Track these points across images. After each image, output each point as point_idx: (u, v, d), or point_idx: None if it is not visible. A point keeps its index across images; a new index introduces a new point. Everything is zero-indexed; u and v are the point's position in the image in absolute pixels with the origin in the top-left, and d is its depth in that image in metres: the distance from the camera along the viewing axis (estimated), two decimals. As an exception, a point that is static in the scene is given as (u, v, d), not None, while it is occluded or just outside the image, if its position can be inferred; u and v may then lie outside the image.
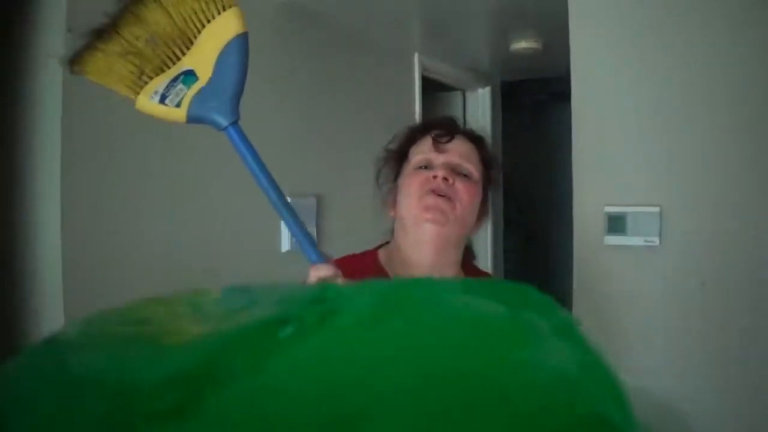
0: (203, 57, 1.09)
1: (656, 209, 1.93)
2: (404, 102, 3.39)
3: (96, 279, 1.93)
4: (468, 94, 4.26)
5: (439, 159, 1.32)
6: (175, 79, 1.08)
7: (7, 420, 0.33)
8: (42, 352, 0.37)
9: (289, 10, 2.57)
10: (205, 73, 1.09)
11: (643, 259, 1.96)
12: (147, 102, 1.09)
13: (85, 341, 0.35)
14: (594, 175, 2.03)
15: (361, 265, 1.35)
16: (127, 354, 0.35)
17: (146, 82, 1.09)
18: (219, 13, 1.10)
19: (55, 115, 1.86)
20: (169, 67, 1.10)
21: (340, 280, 1.03)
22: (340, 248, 1.46)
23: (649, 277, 1.96)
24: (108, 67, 1.09)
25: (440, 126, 1.38)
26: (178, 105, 1.08)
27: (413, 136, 1.40)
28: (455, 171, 1.31)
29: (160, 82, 1.08)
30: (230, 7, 1.11)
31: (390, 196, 1.40)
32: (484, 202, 1.38)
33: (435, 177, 1.29)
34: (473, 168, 1.33)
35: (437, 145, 1.32)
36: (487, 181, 1.38)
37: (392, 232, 1.41)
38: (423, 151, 1.34)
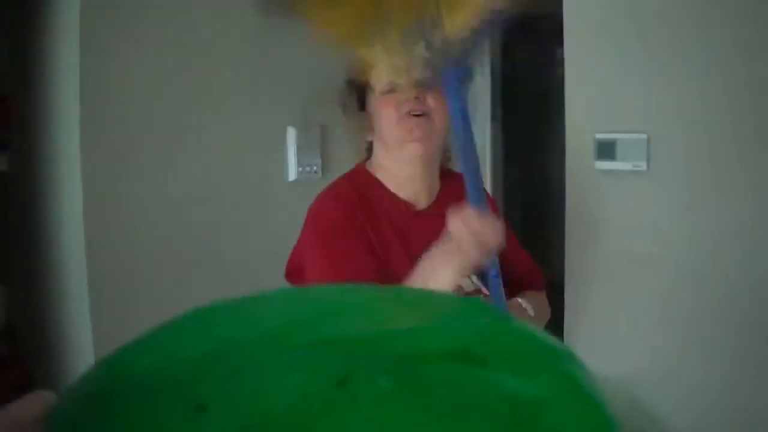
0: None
1: (644, 136, 2.03)
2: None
3: (117, 222, 2.06)
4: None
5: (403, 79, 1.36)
6: None
7: None
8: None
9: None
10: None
11: (631, 183, 2.08)
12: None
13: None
14: (585, 103, 2.13)
15: (359, 181, 1.46)
16: None
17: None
18: None
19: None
20: None
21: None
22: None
23: (637, 200, 2.08)
24: None
25: None
26: None
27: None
28: (423, 85, 1.37)
29: None
30: None
31: (365, 122, 1.47)
32: None
33: (407, 99, 1.36)
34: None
35: None
36: None
37: (369, 150, 1.50)
38: (383, 79, 1.40)
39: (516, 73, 4.66)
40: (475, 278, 1.44)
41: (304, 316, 0.38)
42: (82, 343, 2.07)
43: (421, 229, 1.39)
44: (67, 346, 2.21)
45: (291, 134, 2.62)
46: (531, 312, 1.45)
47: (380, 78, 1.41)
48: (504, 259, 1.29)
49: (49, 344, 2.28)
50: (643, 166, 2.04)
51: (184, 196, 2.27)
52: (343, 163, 2.84)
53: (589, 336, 2.17)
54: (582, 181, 2.14)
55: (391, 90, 1.40)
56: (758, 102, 1.89)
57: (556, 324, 2.01)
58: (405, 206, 1.46)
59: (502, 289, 1.22)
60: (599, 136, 2.08)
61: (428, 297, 0.46)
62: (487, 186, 4.30)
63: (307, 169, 2.64)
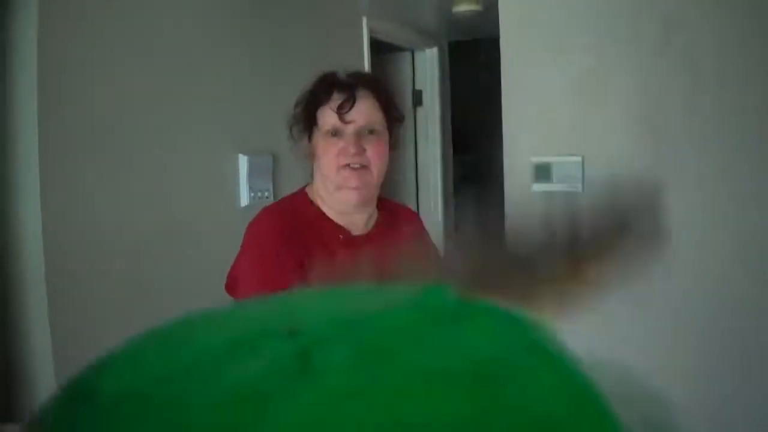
0: None
1: (578, 159, 2.15)
2: (355, 63, 3.54)
3: (72, 232, 2.09)
4: (417, 54, 4.42)
5: (347, 128, 1.46)
6: None
7: None
8: None
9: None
10: None
11: (567, 204, 2.19)
12: None
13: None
14: (522, 129, 2.24)
15: (297, 204, 1.54)
16: None
17: None
18: None
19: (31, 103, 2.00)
20: None
21: None
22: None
23: (573, 219, 2.18)
24: None
25: (340, 88, 1.48)
26: None
27: (317, 99, 1.51)
28: (363, 133, 1.46)
29: None
30: None
31: (308, 151, 1.55)
32: (391, 138, 1.54)
33: (348, 152, 1.45)
34: (377, 123, 1.49)
35: (342, 115, 1.45)
36: (390, 122, 1.54)
37: (312, 175, 1.58)
38: (328, 122, 1.48)
39: (466, 98, 4.81)
40: None
41: (265, 318, 0.38)
42: (41, 354, 2.09)
43: (354, 253, 1.47)
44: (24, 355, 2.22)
45: (243, 161, 2.69)
46: None
47: (326, 120, 1.49)
48: None
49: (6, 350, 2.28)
50: (578, 187, 2.15)
51: (138, 220, 2.30)
52: (294, 188, 2.93)
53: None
54: (520, 202, 2.24)
55: (335, 133, 1.48)
56: (684, 124, 2.02)
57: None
58: (340, 231, 1.53)
59: None
60: (535, 159, 2.19)
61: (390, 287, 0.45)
62: (438, 207, 4.41)
63: (259, 194, 2.71)
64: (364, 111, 1.48)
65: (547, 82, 2.22)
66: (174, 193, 2.44)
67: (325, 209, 1.54)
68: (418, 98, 4.44)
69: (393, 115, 1.56)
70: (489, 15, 3.71)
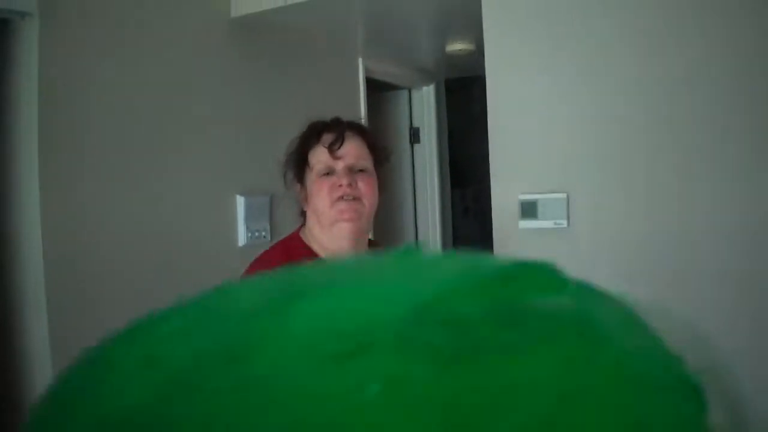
0: None
1: (563, 195, 2.21)
2: (351, 103, 3.63)
3: (75, 272, 2.15)
4: (413, 92, 4.51)
5: (338, 165, 1.56)
6: None
7: None
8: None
9: (240, 24, 2.81)
10: None
11: (553, 240, 2.24)
12: None
13: None
14: (507, 167, 2.30)
15: (291, 248, 1.61)
16: None
17: None
18: None
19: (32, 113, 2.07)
20: None
21: None
22: (283, 239, 1.71)
23: (559, 254, 2.23)
24: None
25: (329, 130, 1.60)
26: None
27: (308, 142, 1.62)
28: (354, 170, 1.56)
29: None
30: None
31: (301, 195, 1.64)
32: (379, 179, 1.64)
33: (341, 186, 1.54)
34: (366, 161, 1.60)
35: (332, 152, 1.56)
36: (377, 163, 1.65)
37: (303, 217, 1.66)
38: (321, 160, 1.58)
39: (464, 133, 4.88)
40: None
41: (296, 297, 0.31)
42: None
43: None
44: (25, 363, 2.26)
45: (240, 202, 2.76)
46: None
47: (318, 159, 1.59)
48: None
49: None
50: (563, 223, 2.21)
51: (137, 258, 2.37)
52: (291, 228, 2.99)
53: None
54: (508, 239, 2.29)
55: (328, 173, 1.57)
56: (672, 160, 2.08)
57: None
58: None
59: None
60: (521, 197, 2.25)
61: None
62: (437, 240, 4.45)
63: (256, 234, 2.78)
64: (354, 149, 1.58)
65: (532, 121, 2.29)
66: (173, 232, 2.51)
67: (318, 250, 1.61)
68: (415, 135, 4.51)
69: (380, 156, 1.65)
70: (482, 53, 3.79)
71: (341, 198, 1.55)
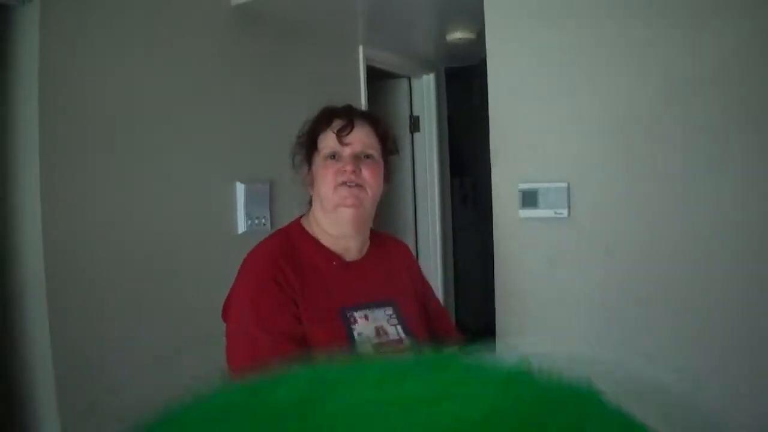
0: None
1: (564, 185, 2.21)
2: (351, 91, 3.63)
3: (74, 255, 2.15)
4: (413, 81, 4.50)
5: (345, 151, 1.56)
6: None
7: None
8: None
9: (242, 13, 2.80)
10: None
11: (554, 228, 2.24)
12: None
13: None
14: (508, 156, 2.30)
15: (292, 236, 1.62)
16: None
17: None
18: None
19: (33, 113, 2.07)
20: None
21: None
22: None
23: (560, 243, 2.24)
24: None
25: (340, 116, 1.60)
26: None
27: (318, 126, 1.62)
28: (360, 157, 1.57)
29: None
30: None
31: (308, 178, 1.65)
32: (385, 168, 1.65)
33: (345, 171, 1.55)
34: (374, 149, 1.60)
35: (341, 138, 1.56)
36: (385, 152, 1.65)
37: (310, 203, 1.67)
38: (329, 144, 1.59)
39: (463, 121, 4.87)
40: (400, 328, 1.58)
41: None
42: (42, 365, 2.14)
43: (347, 278, 1.57)
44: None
45: (240, 189, 2.76)
46: None
47: (326, 143, 1.59)
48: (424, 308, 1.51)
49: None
50: (564, 212, 2.21)
51: (137, 245, 2.37)
52: (291, 215, 2.99)
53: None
54: (508, 228, 2.30)
55: (334, 156, 1.58)
56: (670, 149, 2.08)
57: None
58: (334, 258, 1.61)
59: None
60: (522, 186, 2.25)
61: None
62: (437, 232, 4.46)
63: (256, 221, 2.78)
64: (362, 136, 1.59)
65: (533, 110, 2.28)
66: (172, 219, 2.51)
67: (320, 236, 1.62)
68: (415, 124, 4.51)
69: (388, 146, 1.66)
70: (482, 42, 3.79)
71: (344, 183, 1.56)
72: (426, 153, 4.51)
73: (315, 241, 1.62)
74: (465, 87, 5.09)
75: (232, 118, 2.76)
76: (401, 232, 4.33)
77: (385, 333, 1.54)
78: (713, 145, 2.02)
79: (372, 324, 1.54)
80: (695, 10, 2.06)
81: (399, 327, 1.59)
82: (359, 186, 1.56)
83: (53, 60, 2.13)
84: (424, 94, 4.50)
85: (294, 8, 2.93)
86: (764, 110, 1.97)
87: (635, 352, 2.11)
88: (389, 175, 1.68)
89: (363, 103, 3.66)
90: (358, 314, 1.53)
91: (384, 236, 1.80)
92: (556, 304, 2.24)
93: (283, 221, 2.79)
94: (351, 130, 1.58)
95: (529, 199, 2.23)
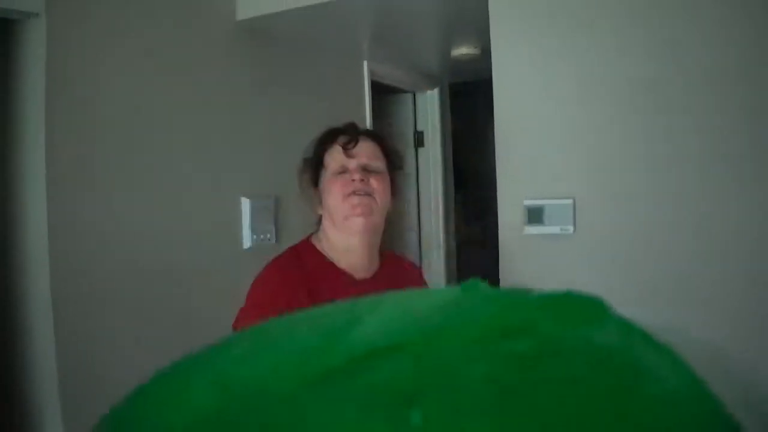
0: None
1: (570, 201, 2.21)
2: (356, 107, 3.64)
3: (81, 273, 2.15)
4: (418, 96, 4.51)
5: (352, 163, 1.60)
6: None
7: None
8: None
9: (247, 28, 2.81)
10: None
11: (559, 245, 2.24)
12: None
13: None
14: (514, 173, 2.30)
15: (302, 254, 1.62)
16: None
17: None
18: None
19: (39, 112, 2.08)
20: None
21: None
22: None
23: (566, 260, 2.23)
24: None
25: (344, 132, 1.64)
26: None
27: (323, 144, 1.66)
28: (367, 170, 1.60)
29: None
30: None
31: (316, 198, 1.66)
32: (392, 183, 1.68)
33: (353, 180, 1.57)
34: (380, 163, 1.64)
35: (347, 151, 1.60)
36: (391, 169, 1.68)
37: (318, 224, 1.68)
38: (336, 158, 1.62)
39: (468, 137, 4.88)
40: None
41: (321, 339, 0.33)
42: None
43: (355, 296, 1.57)
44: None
45: (246, 204, 2.76)
46: None
47: (333, 158, 1.63)
48: None
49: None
50: (570, 229, 2.20)
51: (143, 259, 2.37)
52: (296, 230, 2.99)
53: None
54: (513, 244, 2.29)
55: (342, 171, 1.61)
56: (676, 165, 2.07)
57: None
58: (343, 275, 1.62)
59: None
60: (527, 202, 2.24)
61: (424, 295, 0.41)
62: (440, 247, 4.45)
63: (261, 237, 2.78)
64: (368, 150, 1.63)
65: (538, 127, 2.28)
66: (179, 234, 2.51)
67: (330, 254, 1.63)
68: (419, 139, 4.52)
69: (393, 160, 1.69)
70: (487, 58, 3.80)
71: (353, 193, 1.57)
72: (430, 168, 4.51)
73: (326, 259, 1.63)
74: (469, 102, 5.10)
75: (236, 133, 2.77)
76: (405, 248, 4.33)
77: None
78: (724, 161, 2.01)
79: None
80: (701, 25, 2.06)
81: None
82: (368, 195, 1.58)
83: (59, 73, 2.14)
84: (429, 110, 4.51)
85: (299, 23, 2.94)
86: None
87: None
88: (396, 190, 1.70)
89: (368, 118, 3.67)
90: None
91: (393, 255, 1.81)
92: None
93: (289, 237, 2.78)
94: (356, 144, 1.61)
95: (535, 215, 2.23)
